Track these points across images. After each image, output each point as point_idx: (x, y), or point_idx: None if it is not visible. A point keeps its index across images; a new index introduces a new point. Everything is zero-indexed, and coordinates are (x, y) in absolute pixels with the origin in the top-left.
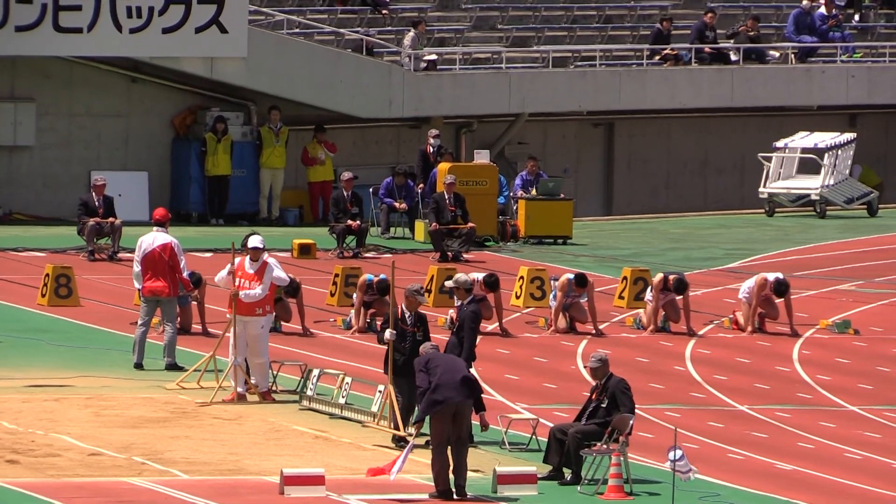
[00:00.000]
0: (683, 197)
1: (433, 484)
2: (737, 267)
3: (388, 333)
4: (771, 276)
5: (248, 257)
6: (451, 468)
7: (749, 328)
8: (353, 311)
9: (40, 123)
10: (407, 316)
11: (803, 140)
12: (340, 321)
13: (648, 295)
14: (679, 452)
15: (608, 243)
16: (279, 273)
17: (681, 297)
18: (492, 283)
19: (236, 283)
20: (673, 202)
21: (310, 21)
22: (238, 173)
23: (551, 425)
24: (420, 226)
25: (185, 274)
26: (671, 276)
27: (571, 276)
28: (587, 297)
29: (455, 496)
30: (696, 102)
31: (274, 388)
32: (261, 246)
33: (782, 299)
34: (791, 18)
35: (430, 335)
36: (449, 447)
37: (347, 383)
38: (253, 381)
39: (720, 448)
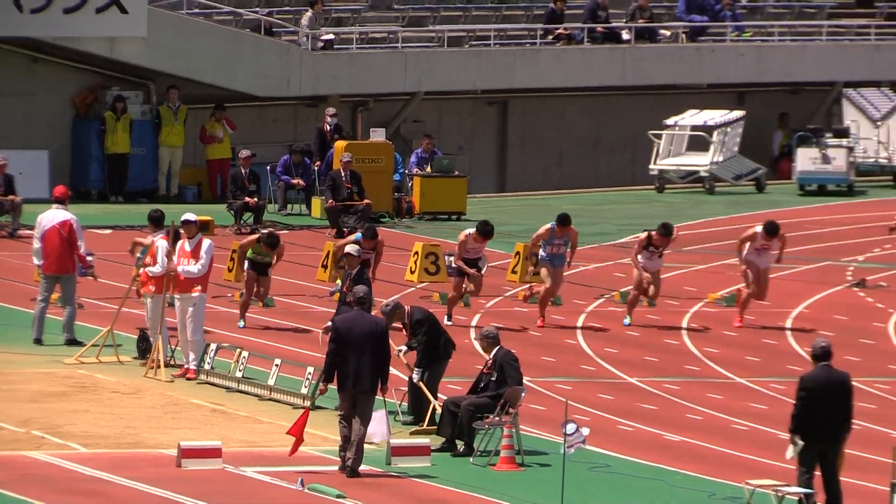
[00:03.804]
0: (576, 174)
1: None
2: (628, 242)
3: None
4: (759, 228)
5: (184, 237)
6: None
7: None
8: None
9: None
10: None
11: (693, 118)
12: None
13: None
14: (573, 426)
15: (502, 219)
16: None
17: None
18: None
19: (176, 262)
20: (566, 179)
21: (209, 1)
22: (137, 151)
23: (445, 398)
24: (317, 202)
25: (82, 251)
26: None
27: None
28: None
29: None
30: (588, 81)
31: (171, 362)
32: (193, 219)
33: (776, 237)
34: None
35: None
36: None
37: (244, 358)
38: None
39: (610, 420)
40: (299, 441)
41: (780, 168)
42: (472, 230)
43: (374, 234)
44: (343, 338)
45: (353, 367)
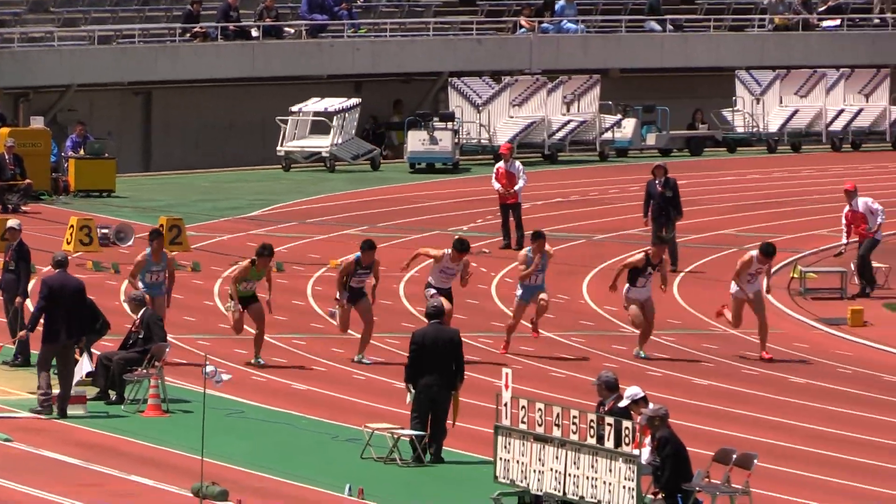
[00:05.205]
0: (212, 155)
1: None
2: (258, 215)
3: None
4: (754, 252)
5: None
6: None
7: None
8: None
9: None
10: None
11: (315, 105)
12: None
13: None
14: (211, 368)
15: (147, 196)
16: None
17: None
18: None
19: None
20: (203, 160)
21: None
22: None
23: (98, 353)
24: None
25: None
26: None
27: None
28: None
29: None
30: (222, 73)
31: None
32: None
33: (770, 260)
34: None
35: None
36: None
37: None
38: None
39: (245, 371)
40: None
41: None
42: (448, 250)
43: (373, 246)
44: (55, 295)
45: (63, 320)
